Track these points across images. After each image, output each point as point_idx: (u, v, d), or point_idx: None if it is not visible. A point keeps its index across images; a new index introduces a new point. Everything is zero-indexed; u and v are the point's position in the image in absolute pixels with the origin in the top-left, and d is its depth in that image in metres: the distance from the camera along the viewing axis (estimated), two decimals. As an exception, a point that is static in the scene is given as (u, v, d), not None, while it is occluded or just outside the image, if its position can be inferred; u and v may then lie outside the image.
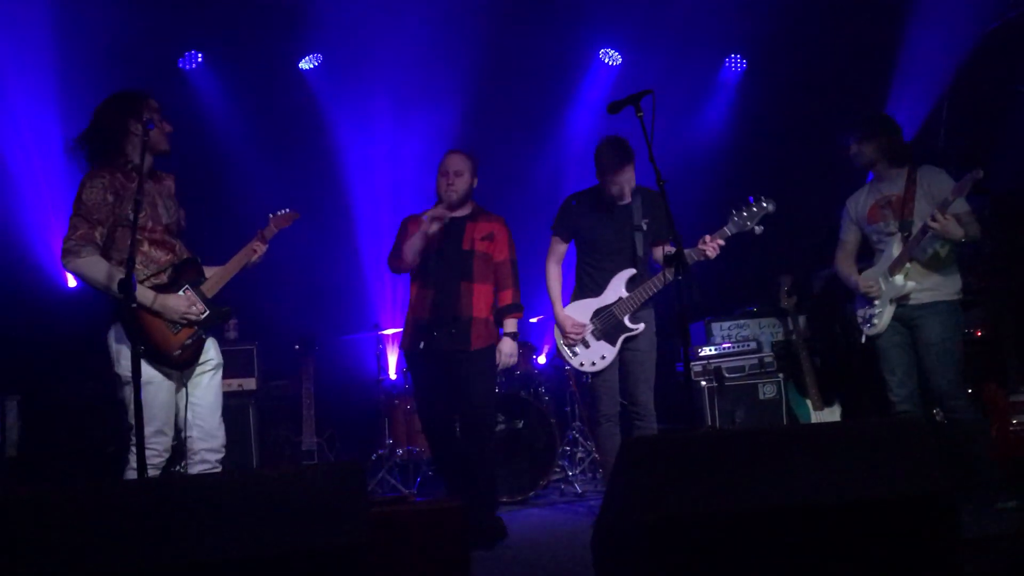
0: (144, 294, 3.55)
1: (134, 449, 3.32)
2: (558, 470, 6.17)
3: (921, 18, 6.70)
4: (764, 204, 4.63)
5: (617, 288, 4.72)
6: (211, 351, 3.80)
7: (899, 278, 4.60)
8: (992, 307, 5.40)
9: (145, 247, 3.63)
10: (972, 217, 4.56)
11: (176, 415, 3.71)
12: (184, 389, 3.70)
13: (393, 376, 6.98)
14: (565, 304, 4.83)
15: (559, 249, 4.90)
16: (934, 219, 4.38)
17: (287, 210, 4.12)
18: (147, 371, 3.53)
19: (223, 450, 3.76)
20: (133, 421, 3.33)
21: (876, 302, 4.71)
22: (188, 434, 3.69)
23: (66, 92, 6.46)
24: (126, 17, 6.44)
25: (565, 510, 5.56)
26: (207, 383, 3.76)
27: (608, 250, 4.74)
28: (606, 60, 7.78)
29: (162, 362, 3.60)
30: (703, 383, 6.00)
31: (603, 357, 4.70)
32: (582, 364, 4.76)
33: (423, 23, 6.92)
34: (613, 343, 4.70)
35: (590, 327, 4.73)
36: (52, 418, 5.67)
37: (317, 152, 7.34)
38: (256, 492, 2.50)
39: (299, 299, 6.71)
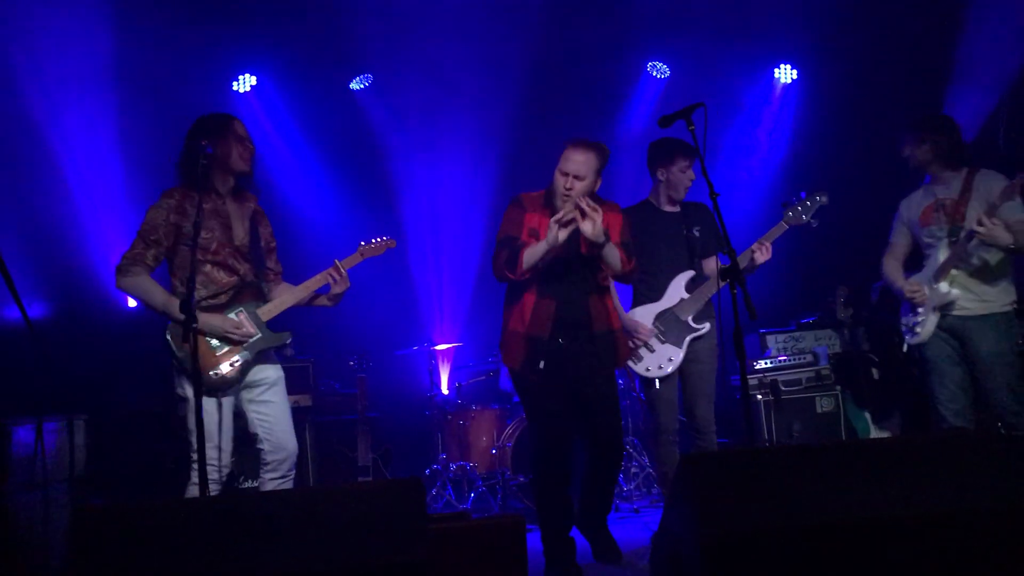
0: (175, 308, 3.56)
1: (194, 466, 3.41)
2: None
3: (978, 19, 6.57)
4: (818, 197, 4.60)
5: (678, 290, 4.65)
6: (267, 370, 3.83)
7: (943, 285, 4.44)
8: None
9: (207, 268, 3.69)
10: None
11: (248, 431, 3.79)
12: (248, 409, 3.77)
13: (445, 391, 7.01)
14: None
15: None
16: (980, 223, 4.21)
17: (382, 238, 4.09)
18: (191, 392, 3.59)
19: (293, 459, 3.80)
20: (192, 439, 3.45)
21: (920, 310, 4.56)
22: (260, 447, 3.79)
23: (125, 114, 6.64)
24: (182, 41, 6.62)
25: (620, 526, 5.52)
26: (268, 398, 3.81)
27: (660, 258, 4.68)
28: (654, 73, 7.75)
29: (201, 382, 3.58)
30: (759, 397, 5.94)
31: (670, 359, 4.62)
32: (648, 369, 4.64)
33: (470, 39, 6.98)
34: (679, 345, 4.62)
35: (654, 331, 4.66)
36: (115, 436, 5.80)
37: (367, 170, 7.42)
38: (317, 509, 2.54)
39: (353, 315, 6.77)
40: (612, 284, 4.36)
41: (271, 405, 3.81)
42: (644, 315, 4.68)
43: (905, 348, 4.72)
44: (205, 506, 2.73)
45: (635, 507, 5.97)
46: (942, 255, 4.48)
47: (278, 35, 6.92)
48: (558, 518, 4.13)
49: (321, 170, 7.34)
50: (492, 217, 7.52)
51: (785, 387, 5.97)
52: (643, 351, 4.63)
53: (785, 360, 6.11)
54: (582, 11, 7.14)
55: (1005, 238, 4.25)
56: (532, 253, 3.92)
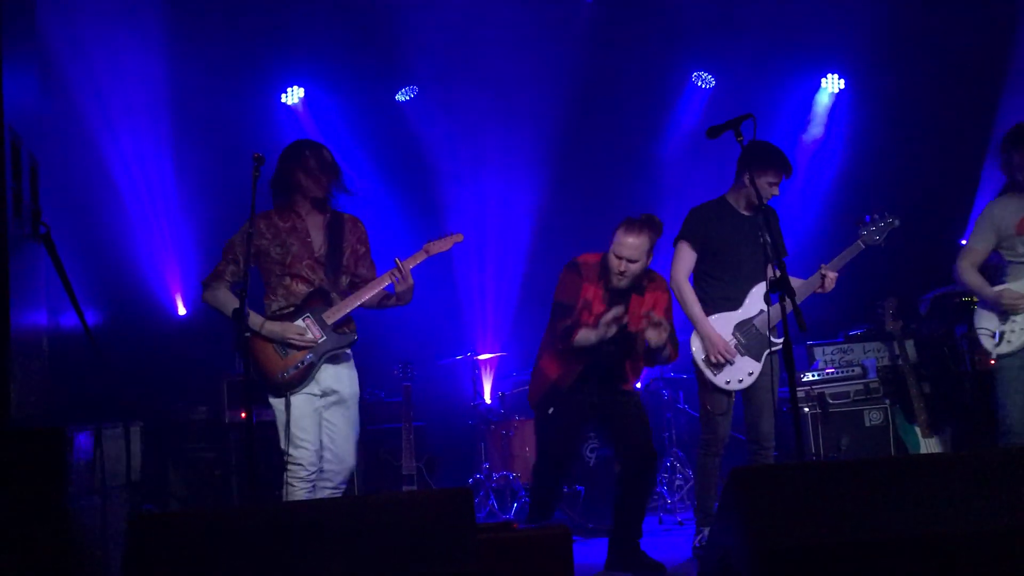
0: (254, 320, 3.86)
1: (287, 471, 3.79)
2: (656, 497, 6.10)
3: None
4: (892, 220, 4.54)
5: (757, 300, 4.52)
6: (341, 381, 4.01)
7: None
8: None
9: (287, 281, 3.96)
10: None
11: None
12: (323, 414, 3.96)
13: (488, 401, 7.03)
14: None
15: (689, 259, 4.62)
16: None
17: (450, 233, 4.23)
18: (272, 398, 3.90)
19: (349, 474, 4.02)
20: (283, 445, 3.81)
21: (1016, 318, 4.45)
22: (322, 454, 3.95)
23: (177, 127, 6.77)
24: (230, 53, 6.74)
25: (665, 539, 5.49)
26: (338, 410, 3.99)
27: (742, 264, 4.55)
28: (699, 83, 7.72)
29: (268, 387, 3.89)
30: (806, 409, 5.86)
31: (750, 374, 4.52)
32: (728, 382, 4.53)
33: (515, 51, 7.01)
34: (758, 359, 4.52)
35: (733, 342, 4.55)
36: (166, 443, 5.91)
37: (414, 180, 7.46)
38: (367, 518, 2.56)
39: (398, 324, 6.82)
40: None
41: (339, 417, 4.00)
42: (723, 324, 4.54)
43: (994, 357, 4.54)
44: (255, 514, 2.77)
45: (679, 520, 5.92)
46: None
47: (324, 46, 7.00)
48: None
49: (367, 181, 7.40)
50: (538, 228, 7.54)
51: (833, 400, 5.89)
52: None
53: (833, 373, 6.03)
54: (627, 22, 7.15)
55: None
56: (585, 337, 4.31)
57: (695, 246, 4.59)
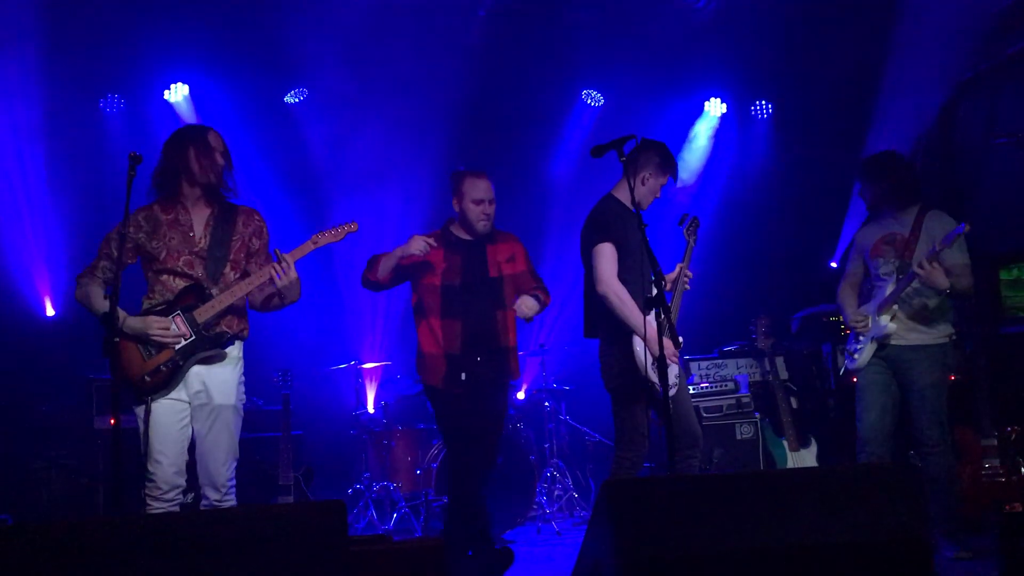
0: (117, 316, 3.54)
1: (145, 488, 3.56)
2: (535, 507, 6.14)
3: (898, 63, 6.81)
4: (693, 217, 4.56)
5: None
6: (215, 388, 3.68)
7: (884, 318, 4.59)
8: (966, 351, 5.45)
9: (163, 277, 3.69)
10: (966, 270, 4.53)
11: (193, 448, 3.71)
12: (194, 423, 3.69)
13: (371, 410, 6.94)
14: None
15: (615, 260, 4.20)
16: (920, 266, 4.36)
17: (344, 223, 3.93)
18: (136, 404, 3.61)
19: (223, 489, 3.68)
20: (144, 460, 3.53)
21: (861, 338, 4.70)
22: (198, 468, 3.71)
23: (49, 122, 6.47)
24: (113, 45, 6.47)
25: (543, 550, 5.52)
26: (211, 423, 3.68)
27: (643, 263, 4.12)
28: (589, 101, 7.84)
29: (132, 389, 3.60)
30: (681, 422, 5.99)
31: (677, 376, 4.23)
32: (672, 387, 4.02)
33: (406, 60, 6.96)
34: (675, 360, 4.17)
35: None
36: (26, 449, 5.61)
37: (300, 184, 7.33)
38: (236, 530, 2.48)
39: (278, 330, 6.66)
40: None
41: (209, 427, 3.67)
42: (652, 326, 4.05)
43: (842, 372, 4.83)
44: (113, 526, 2.64)
45: (558, 530, 5.98)
46: (888, 289, 4.62)
47: (211, 43, 6.80)
48: (470, 522, 4.44)
49: (253, 183, 7.22)
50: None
51: (706, 413, 6.05)
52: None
53: (707, 387, 6.20)
54: (519, 38, 7.19)
55: (943, 282, 4.39)
56: (387, 261, 4.48)
57: (617, 247, 4.20)
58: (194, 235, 3.72)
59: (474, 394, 4.44)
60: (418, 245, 4.39)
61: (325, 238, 3.87)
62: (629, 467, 4.13)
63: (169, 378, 3.61)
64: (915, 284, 4.49)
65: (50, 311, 6.57)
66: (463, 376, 4.39)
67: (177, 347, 3.62)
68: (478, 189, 4.48)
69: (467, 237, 4.58)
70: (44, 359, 6.24)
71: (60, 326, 6.48)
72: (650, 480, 3.13)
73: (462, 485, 4.47)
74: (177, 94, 7.04)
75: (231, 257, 3.76)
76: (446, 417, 4.56)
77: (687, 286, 4.40)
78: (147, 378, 3.58)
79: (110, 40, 6.49)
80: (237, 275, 3.78)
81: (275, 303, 3.89)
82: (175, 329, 3.61)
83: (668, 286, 4.35)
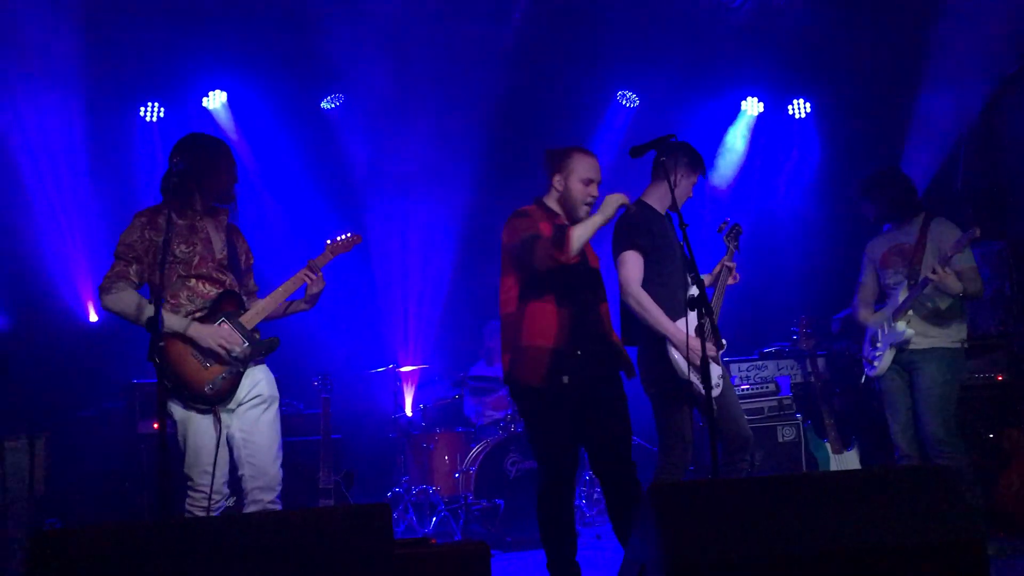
0: (178, 321, 3.56)
1: (188, 499, 3.53)
2: (575, 512, 6.11)
3: (938, 59, 6.73)
4: (734, 224, 4.53)
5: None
6: (261, 385, 3.74)
7: (900, 324, 4.71)
8: (1013, 351, 5.39)
9: (192, 282, 3.66)
10: (975, 273, 4.67)
11: (231, 453, 3.68)
12: (232, 427, 3.67)
13: (410, 413, 6.97)
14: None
15: (640, 268, 4.16)
16: (933, 272, 4.50)
17: (348, 235, 4.01)
18: (181, 411, 3.60)
19: (278, 488, 3.69)
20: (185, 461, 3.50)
21: (879, 345, 4.83)
22: (241, 472, 3.67)
23: (93, 128, 6.57)
24: (153, 53, 6.57)
25: (583, 555, 5.48)
26: (257, 418, 3.70)
27: (675, 268, 4.23)
28: (624, 102, 7.82)
29: (194, 399, 3.58)
30: (722, 424, 5.94)
31: (721, 376, 4.18)
32: (716, 386, 4.10)
33: (442, 62, 6.99)
34: (718, 362, 4.17)
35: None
36: (74, 455, 5.69)
37: (338, 189, 7.39)
38: (282, 534, 2.50)
39: (317, 334, 6.72)
40: None
41: (259, 425, 3.69)
42: (684, 328, 4.04)
43: (863, 380, 5.00)
44: (163, 529, 2.67)
45: (598, 534, 5.95)
46: (901, 297, 4.75)
47: (250, 50, 6.87)
48: (565, 544, 4.07)
49: (291, 189, 7.29)
50: (461, 241, 7.52)
51: (748, 416, 5.94)
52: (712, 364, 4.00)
53: (747, 389, 6.14)
54: (553, 41, 7.19)
55: (956, 286, 4.56)
56: (585, 230, 3.74)
57: (644, 254, 4.15)
58: (213, 243, 3.74)
59: (587, 393, 3.89)
60: (619, 200, 3.80)
61: (338, 247, 3.99)
62: (672, 471, 4.08)
63: (232, 388, 3.64)
64: (927, 290, 4.61)
65: (93, 317, 6.66)
66: (565, 379, 3.82)
67: (233, 355, 3.64)
68: (589, 167, 3.98)
69: (561, 220, 4.01)
70: (87, 364, 6.33)
71: (103, 331, 6.56)
72: (695, 483, 3.10)
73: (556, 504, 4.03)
74: (215, 101, 7.12)
75: (243, 268, 3.87)
76: (548, 419, 3.91)
77: (733, 279, 4.32)
78: (209, 389, 3.58)
79: (149, 47, 6.59)
80: (244, 285, 3.88)
81: (292, 310, 3.96)
82: (233, 337, 3.62)
83: (710, 280, 4.33)
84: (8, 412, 4.33)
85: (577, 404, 3.87)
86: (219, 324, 3.65)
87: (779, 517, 2.62)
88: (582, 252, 3.86)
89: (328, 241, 4.00)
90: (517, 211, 4.02)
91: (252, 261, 3.99)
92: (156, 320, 3.25)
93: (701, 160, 4.38)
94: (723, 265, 4.37)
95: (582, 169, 3.98)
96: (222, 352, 3.59)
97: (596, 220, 3.77)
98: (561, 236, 3.74)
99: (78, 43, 6.25)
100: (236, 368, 3.64)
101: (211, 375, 3.58)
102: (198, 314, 3.64)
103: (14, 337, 5.98)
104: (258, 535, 2.50)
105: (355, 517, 2.49)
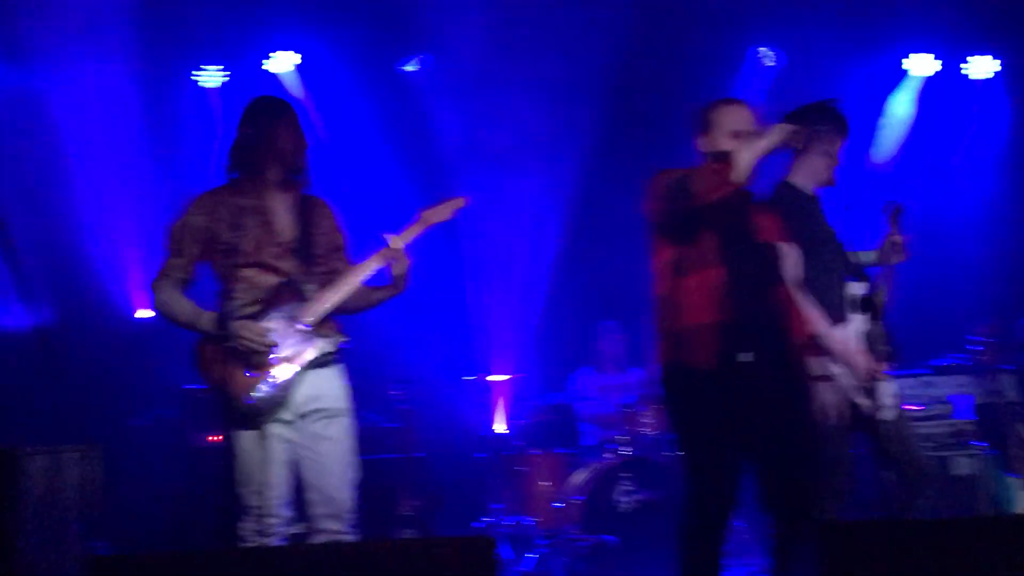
0: (203, 320, 3.61)
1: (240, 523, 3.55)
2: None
3: None
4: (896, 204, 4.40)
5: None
6: (325, 394, 3.68)
7: None
8: None
9: (246, 272, 3.64)
10: None
11: (296, 472, 3.68)
12: (294, 442, 3.66)
13: (503, 430, 6.98)
14: None
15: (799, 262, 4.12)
16: None
17: (451, 198, 3.85)
18: (231, 423, 3.63)
19: (347, 516, 3.66)
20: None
21: None
22: (306, 496, 3.66)
23: (147, 107, 6.79)
24: (213, 16, 6.74)
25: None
26: (320, 433, 3.66)
27: (833, 258, 4.14)
28: (764, 61, 7.70)
29: (233, 411, 3.59)
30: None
31: (894, 396, 4.20)
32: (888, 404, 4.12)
33: (547, 13, 7.00)
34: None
35: None
36: (126, 469, 5.87)
37: (421, 168, 7.45)
38: (369, 568, 2.52)
39: (398, 338, 6.79)
40: None
41: (324, 443, 3.66)
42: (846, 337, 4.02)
43: None
44: (232, 558, 2.73)
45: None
46: None
47: (323, 4, 7.01)
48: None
49: (368, 162, 7.40)
50: (569, 228, 7.50)
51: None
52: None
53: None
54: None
55: None
56: (750, 152, 3.52)
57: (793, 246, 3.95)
58: (277, 224, 3.71)
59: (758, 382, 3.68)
60: (788, 130, 3.62)
61: (434, 216, 3.83)
62: (830, 507, 3.89)
63: (279, 397, 3.60)
64: None
65: (146, 312, 6.86)
66: (744, 357, 3.62)
67: (284, 357, 3.61)
68: (739, 118, 3.80)
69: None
70: (135, 367, 6.53)
71: (153, 330, 6.75)
72: (872, 523, 3.03)
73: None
74: (284, 63, 7.29)
75: (319, 252, 3.77)
76: (709, 408, 3.69)
77: (902, 256, 4.16)
78: (250, 398, 3.56)
79: (208, 5, 6.78)
80: (324, 271, 3.78)
81: (376, 299, 3.88)
82: (278, 339, 3.59)
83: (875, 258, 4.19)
84: (57, 418, 4.48)
85: (750, 400, 3.62)
86: (271, 321, 3.62)
87: (964, 566, 2.60)
88: (751, 222, 3.72)
89: (422, 209, 3.84)
90: (658, 173, 3.84)
91: (341, 241, 3.89)
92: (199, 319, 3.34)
93: (845, 121, 4.25)
94: (890, 240, 4.21)
95: (729, 122, 3.78)
96: (261, 353, 3.57)
97: (761, 144, 3.56)
98: (724, 157, 3.59)
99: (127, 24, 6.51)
100: (289, 373, 3.60)
101: (253, 382, 3.57)
102: (249, 308, 3.62)
103: (61, 333, 6.21)
104: (342, 568, 2.53)
105: (456, 551, 2.49)
